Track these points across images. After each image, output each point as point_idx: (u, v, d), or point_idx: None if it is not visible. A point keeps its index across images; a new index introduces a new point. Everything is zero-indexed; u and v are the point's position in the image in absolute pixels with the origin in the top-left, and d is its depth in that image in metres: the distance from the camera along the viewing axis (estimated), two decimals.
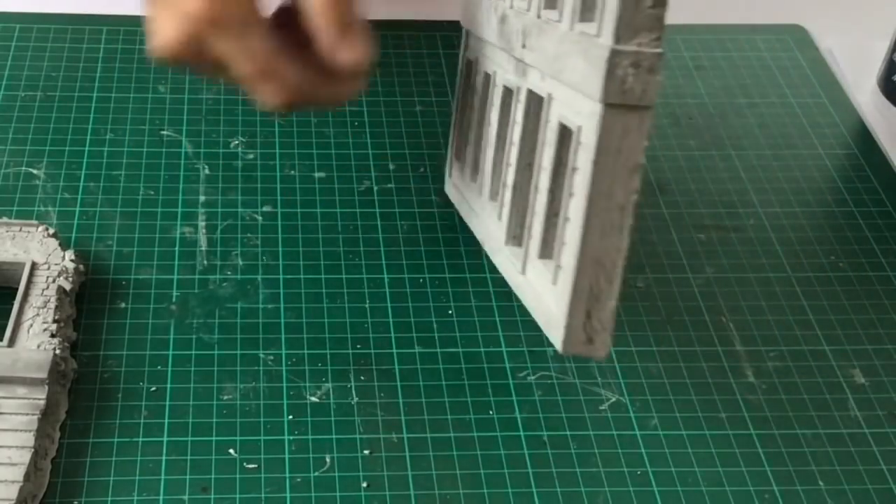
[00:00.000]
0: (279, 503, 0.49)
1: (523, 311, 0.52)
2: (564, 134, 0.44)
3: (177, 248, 0.61)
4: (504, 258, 0.53)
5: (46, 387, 0.51)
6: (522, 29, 0.49)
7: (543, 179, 0.47)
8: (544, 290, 0.47)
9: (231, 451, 0.51)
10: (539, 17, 0.47)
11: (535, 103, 0.48)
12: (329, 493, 0.50)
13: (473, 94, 0.58)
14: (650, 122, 0.39)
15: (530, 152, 0.50)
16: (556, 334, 0.44)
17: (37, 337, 0.53)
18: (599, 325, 0.42)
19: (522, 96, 0.49)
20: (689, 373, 0.56)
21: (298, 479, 0.50)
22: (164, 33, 0.47)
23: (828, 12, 0.82)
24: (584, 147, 0.41)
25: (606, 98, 0.39)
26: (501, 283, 0.55)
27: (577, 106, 0.41)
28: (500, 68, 0.53)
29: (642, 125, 0.39)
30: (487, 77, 0.56)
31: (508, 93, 0.52)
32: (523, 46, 0.49)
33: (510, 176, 0.52)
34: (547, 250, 0.48)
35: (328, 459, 0.51)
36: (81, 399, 0.53)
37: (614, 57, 0.38)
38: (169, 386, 0.54)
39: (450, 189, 0.63)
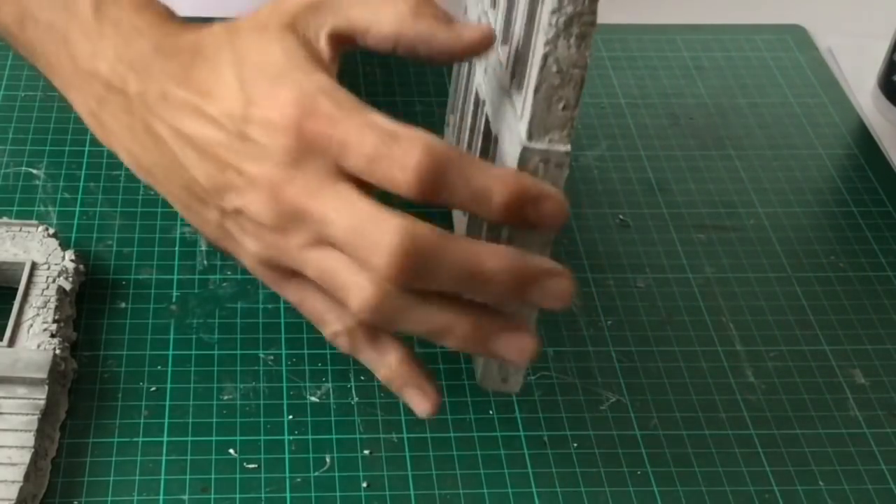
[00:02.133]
0: (279, 503, 0.49)
1: None
2: None
3: (177, 248, 0.61)
4: None
5: (46, 387, 0.51)
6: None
7: None
8: None
9: (231, 451, 0.51)
10: (497, 49, 0.47)
11: (489, 133, 0.49)
12: (329, 493, 0.50)
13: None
14: None
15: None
16: (477, 369, 0.48)
17: (37, 337, 0.53)
18: (513, 368, 0.46)
19: (484, 113, 0.50)
20: (689, 373, 0.56)
21: (298, 479, 0.50)
22: None
23: (828, 12, 0.82)
24: None
25: None
26: None
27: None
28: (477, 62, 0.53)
29: None
30: None
31: (478, 99, 0.52)
32: (485, 71, 0.50)
33: None
34: None
35: (328, 459, 0.51)
36: (81, 399, 0.53)
37: (526, 153, 0.41)
38: (169, 386, 0.54)
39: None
